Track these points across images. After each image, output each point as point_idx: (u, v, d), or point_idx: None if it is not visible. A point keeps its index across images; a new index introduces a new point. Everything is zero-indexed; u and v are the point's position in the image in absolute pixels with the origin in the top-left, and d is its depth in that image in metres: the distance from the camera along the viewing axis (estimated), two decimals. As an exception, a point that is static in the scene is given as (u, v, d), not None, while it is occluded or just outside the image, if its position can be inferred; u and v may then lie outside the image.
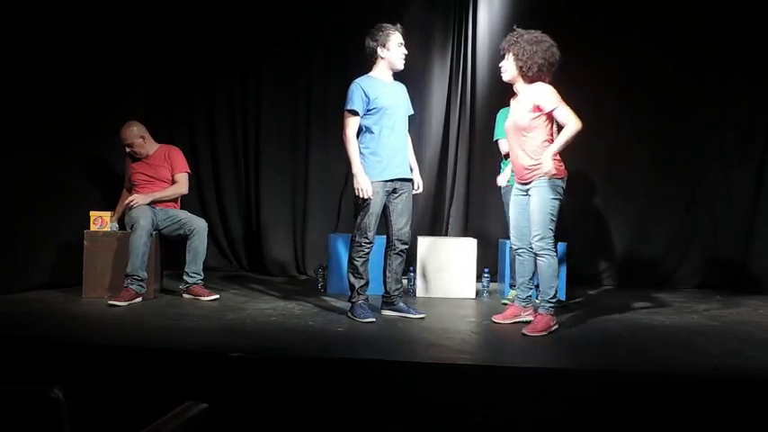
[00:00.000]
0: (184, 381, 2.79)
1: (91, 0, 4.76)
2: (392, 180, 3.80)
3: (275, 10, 5.88)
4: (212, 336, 3.32)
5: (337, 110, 5.94)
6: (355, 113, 3.75)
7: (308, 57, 5.93)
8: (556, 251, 3.58)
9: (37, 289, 4.45)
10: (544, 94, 3.50)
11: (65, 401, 1.21)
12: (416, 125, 5.92)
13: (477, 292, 4.92)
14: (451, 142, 5.87)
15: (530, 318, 3.76)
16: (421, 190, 4.06)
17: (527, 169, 3.58)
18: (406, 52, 3.88)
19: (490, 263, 5.39)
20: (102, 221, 4.41)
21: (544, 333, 3.49)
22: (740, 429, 2.61)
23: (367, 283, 3.86)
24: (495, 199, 5.90)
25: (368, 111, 3.75)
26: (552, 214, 3.51)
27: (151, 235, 4.26)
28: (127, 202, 4.39)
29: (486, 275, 4.99)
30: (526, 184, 3.61)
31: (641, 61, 5.51)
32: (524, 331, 3.49)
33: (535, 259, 3.61)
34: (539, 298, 3.61)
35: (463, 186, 5.88)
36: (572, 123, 3.43)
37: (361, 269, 3.82)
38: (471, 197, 5.92)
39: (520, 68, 3.55)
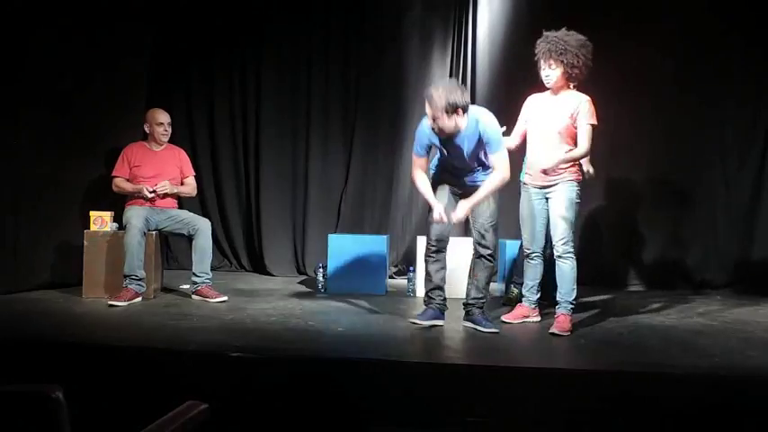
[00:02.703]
0: (184, 381, 2.79)
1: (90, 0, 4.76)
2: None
3: (275, 9, 5.89)
4: (212, 336, 3.32)
5: (338, 110, 6.04)
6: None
7: (308, 56, 5.94)
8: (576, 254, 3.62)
9: (37, 289, 4.45)
10: (587, 109, 3.56)
11: (65, 401, 1.21)
12: (417, 125, 5.91)
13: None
14: (451, 142, 5.86)
15: (537, 319, 3.82)
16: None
17: (555, 171, 3.60)
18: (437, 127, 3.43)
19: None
20: (102, 221, 4.40)
21: (570, 333, 3.53)
22: (740, 429, 2.61)
23: (438, 287, 3.63)
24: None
25: None
26: (575, 218, 3.61)
27: (144, 234, 4.25)
28: (160, 186, 4.40)
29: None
30: (547, 187, 3.64)
31: (641, 62, 5.50)
32: (553, 330, 3.52)
33: (548, 262, 3.73)
34: (559, 298, 3.63)
35: (463, 186, 5.87)
36: (585, 148, 3.56)
37: (430, 270, 3.62)
38: (471, 197, 5.91)
39: (576, 76, 3.58)
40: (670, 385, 2.72)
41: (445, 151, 3.56)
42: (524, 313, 3.84)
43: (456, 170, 3.61)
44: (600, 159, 5.60)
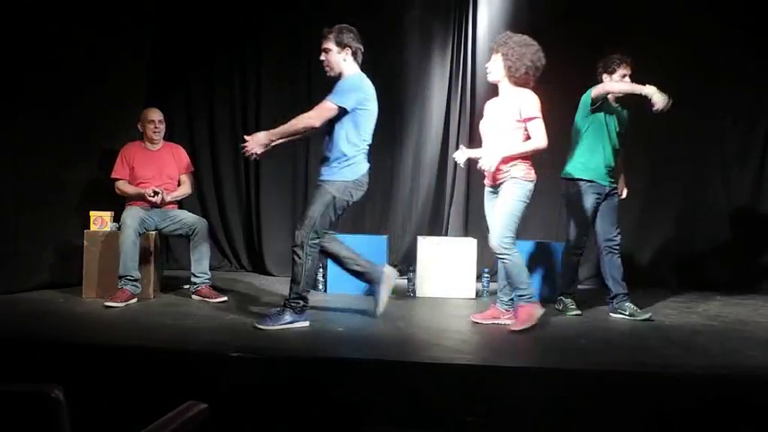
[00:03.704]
0: (184, 381, 2.79)
1: (91, 0, 4.76)
2: None
3: (275, 9, 5.89)
4: (212, 336, 3.32)
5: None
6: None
7: (308, 56, 5.92)
8: (515, 248, 3.58)
9: (37, 289, 4.44)
10: (528, 101, 3.53)
11: (65, 401, 1.21)
12: (417, 125, 5.94)
13: (477, 292, 4.92)
14: (451, 142, 5.86)
15: (509, 321, 3.76)
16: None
17: (499, 171, 3.58)
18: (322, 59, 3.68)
19: (490, 263, 5.38)
20: (102, 221, 4.40)
21: (532, 323, 3.50)
22: (740, 429, 2.61)
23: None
24: (495, 199, 5.92)
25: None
26: (517, 216, 3.53)
27: (140, 234, 4.25)
28: (155, 190, 4.37)
29: (486, 275, 4.99)
30: (497, 186, 3.63)
31: (641, 61, 5.49)
32: (512, 328, 3.52)
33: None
34: (513, 294, 3.62)
35: (463, 186, 5.87)
36: (540, 140, 3.52)
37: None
38: (471, 197, 5.91)
39: (508, 69, 3.56)
40: (670, 385, 2.72)
41: None
42: (495, 315, 3.82)
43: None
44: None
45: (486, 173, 3.70)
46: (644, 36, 5.48)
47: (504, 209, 3.53)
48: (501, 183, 3.59)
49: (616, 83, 4.08)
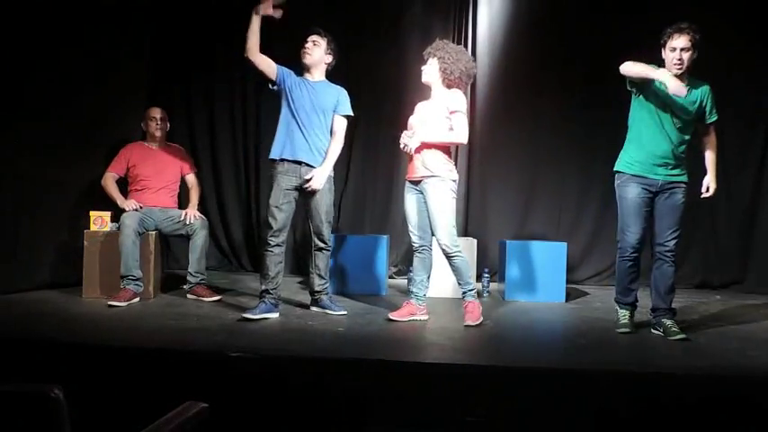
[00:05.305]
0: (184, 381, 2.79)
1: (91, 0, 4.76)
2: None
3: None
4: (212, 336, 3.32)
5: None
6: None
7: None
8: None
9: (37, 289, 4.45)
10: (456, 98, 3.72)
11: (65, 401, 1.21)
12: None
13: (478, 293, 4.90)
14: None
15: (425, 317, 3.86)
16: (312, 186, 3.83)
17: (421, 166, 3.71)
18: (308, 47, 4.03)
19: (490, 263, 5.39)
20: (102, 221, 4.41)
21: (482, 318, 3.70)
22: (740, 429, 2.61)
23: (275, 281, 3.83)
24: (495, 199, 5.92)
25: None
26: (452, 213, 3.71)
27: (140, 234, 4.27)
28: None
29: (486, 275, 4.98)
30: (418, 182, 3.75)
31: (641, 60, 5.50)
32: (467, 323, 3.63)
33: (427, 258, 3.90)
34: (462, 288, 3.76)
35: (463, 186, 5.87)
36: (461, 134, 3.70)
37: (269, 263, 3.82)
38: (471, 197, 5.92)
39: (443, 71, 3.73)
40: (670, 385, 2.72)
41: (291, 97, 3.90)
42: (411, 311, 3.85)
43: (301, 128, 3.85)
44: (601, 158, 5.65)
45: (409, 167, 3.84)
46: (644, 35, 5.47)
47: (438, 208, 3.66)
48: (422, 180, 3.71)
49: (631, 64, 3.66)
